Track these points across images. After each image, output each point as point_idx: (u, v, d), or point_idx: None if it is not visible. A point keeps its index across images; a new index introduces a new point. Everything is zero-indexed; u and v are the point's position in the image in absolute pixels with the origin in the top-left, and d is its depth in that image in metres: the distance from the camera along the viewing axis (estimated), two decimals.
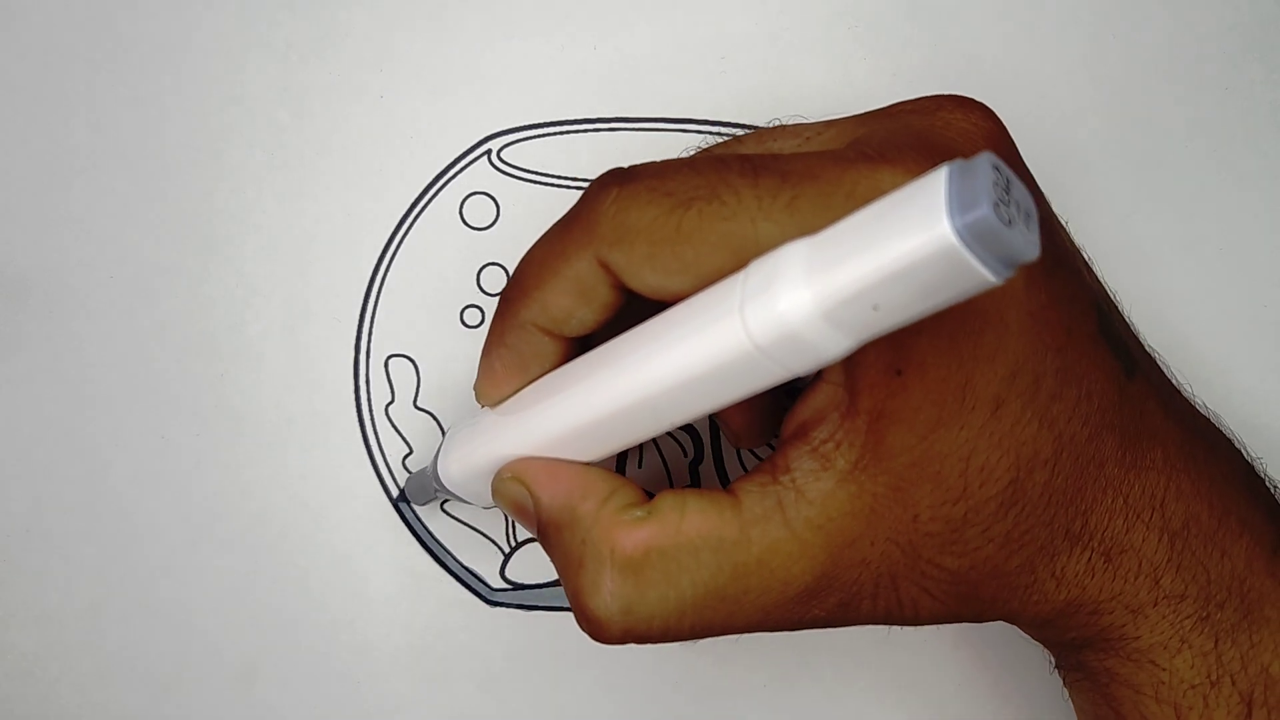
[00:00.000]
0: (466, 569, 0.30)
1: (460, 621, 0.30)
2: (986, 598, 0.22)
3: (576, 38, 0.31)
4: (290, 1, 0.31)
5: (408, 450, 0.30)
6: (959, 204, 0.15)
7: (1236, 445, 0.25)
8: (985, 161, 0.15)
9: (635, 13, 0.31)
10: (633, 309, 0.22)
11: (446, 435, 0.27)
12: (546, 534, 0.22)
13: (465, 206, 0.31)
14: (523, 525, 0.24)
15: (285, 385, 0.31)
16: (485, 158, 0.31)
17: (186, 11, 0.31)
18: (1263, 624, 0.23)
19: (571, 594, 0.22)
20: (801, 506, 0.21)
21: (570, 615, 0.30)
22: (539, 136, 0.31)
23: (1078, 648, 0.24)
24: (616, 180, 0.21)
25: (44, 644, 0.30)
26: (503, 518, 0.30)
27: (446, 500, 0.30)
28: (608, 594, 0.21)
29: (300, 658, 0.30)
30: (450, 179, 0.31)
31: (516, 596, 0.30)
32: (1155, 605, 0.22)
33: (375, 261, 0.31)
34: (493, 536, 0.30)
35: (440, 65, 0.31)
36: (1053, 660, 0.26)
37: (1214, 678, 0.23)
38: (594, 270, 0.21)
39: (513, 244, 0.30)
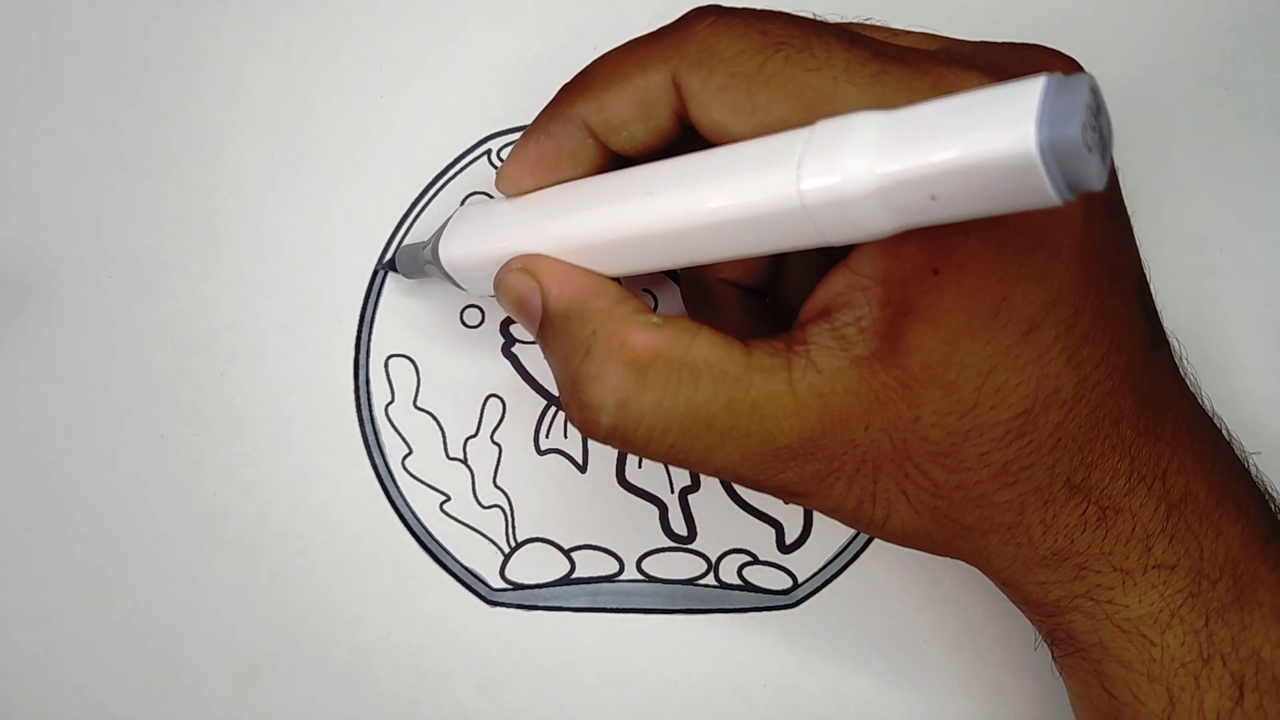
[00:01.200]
0: (466, 569, 0.30)
1: (460, 621, 0.30)
2: (964, 523, 0.22)
3: (576, 38, 0.31)
4: (290, 1, 0.31)
5: (408, 450, 0.30)
6: (1051, 116, 0.15)
7: (1234, 444, 0.25)
8: (1085, 82, 0.15)
9: (635, 13, 0.31)
10: (675, 153, 0.22)
11: (453, 216, 0.26)
12: (551, 325, 0.22)
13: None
14: (519, 319, 0.24)
15: (285, 385, 0.31)
16: (485, 158, 0.31)
17: (187, 11, 0.31)
18: (1255, 607, 0.22)
19: (569, 381, 0.22)
20: (809, 373, 0.20)
21: (569, 616, 0.30)
22: None
23: (1064, 611, 0.23)
24: (716, 10, 0.21)
25: (44, 644, 0.30)
26: (503, 518, 0.30)
27: (428, 277, 0.29)
28: (609, 385, 0.21)
29: (300, 658, 0.30)
30: (450, 179, 0.31)
31: (516, 596, 0.30)
32: (1145, 573, 0.22)
33: (375, 261, 0.31)
34: (492, 537, 0.30)
35: (440, 65, 0.31)
36: (1039, 636, 0.26)
37: (1205, 655, 0.22)
38: (665, 87, 0.21)
39: None
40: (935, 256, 0.19)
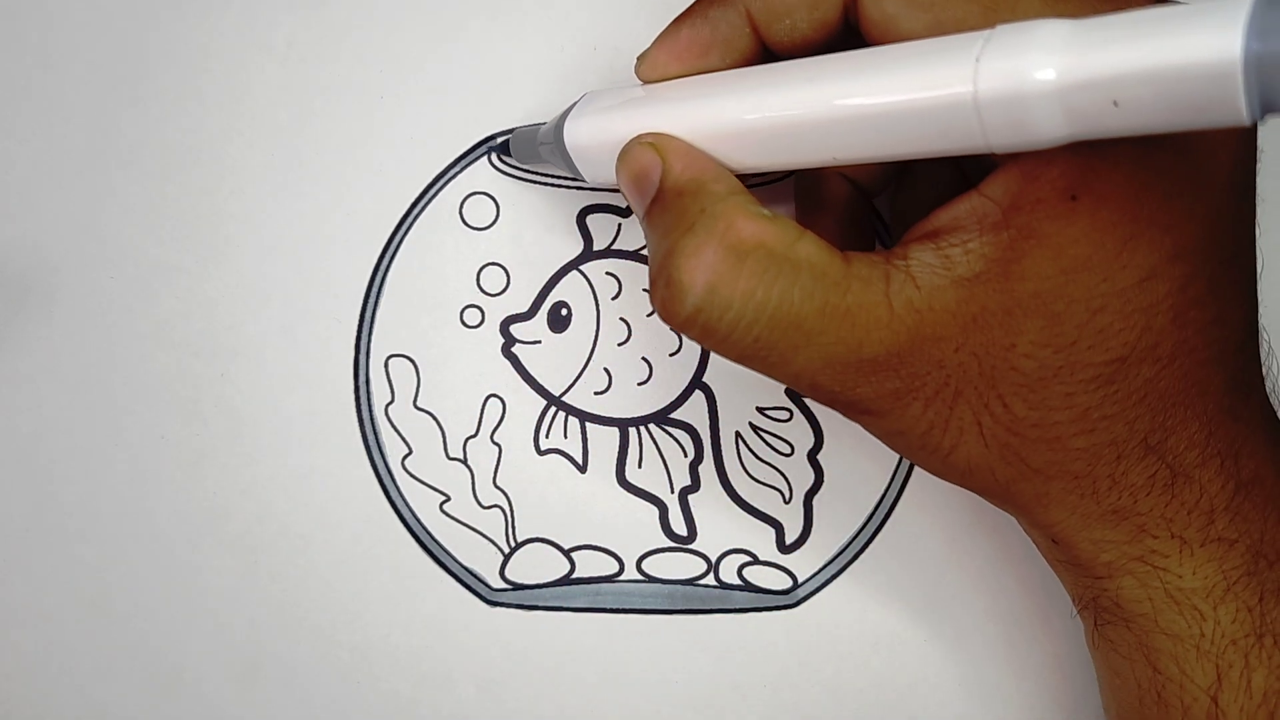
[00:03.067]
0: (466, 569, 0.30)
1: (460, 621, 0.30)
2: (1032, 465, 0.22)
3: (576, 38, 0.31)
4: (290, 2, 0.31)
5: (407, 450, 0.30)
6: (1261, 28, 0.15)
7: None
8: None
9: (635, 13, 0.31)
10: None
11: (580, 99, 0.26)
12: (664, 199, 0.22)
13: (465, 206, 0.31)
14: (632, 195, 0.23)
15: (285, 385, 0.31)
16: (485, 158, 0.31)
17: (187, 11, 0.31)
18: None
19: (664, 254, 0.21)
20: (907, 287, 0.20)
21: (569, 616, 0.30)
22: None
23: (1115, 574, 0.23)
24: None
25: (44, 644, 0.30)
26: (503, 518, 0.30)
27: (541, 162, 0.29)
28: (703, 263, 0.20)
29: (300, 658, 0.30)
30: (450, 179, 0.31)
31: (516, 597, 0.30)
32: (1204, 545, 0.22)
33: (375, 261, 0.31)
34: (492, 537, 0.30)
35: (440, 65, 0.31)
36: (1075, 607, 0.25)
37: (1258, 632, 0.22)
38: None
39: (513, 244, 0.30)
40: (1076, 182, 0.19)
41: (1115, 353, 0.20)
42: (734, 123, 0.22)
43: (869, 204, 0.26)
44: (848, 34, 0.22)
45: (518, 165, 0.30)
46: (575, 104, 0.26)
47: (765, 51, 0.23)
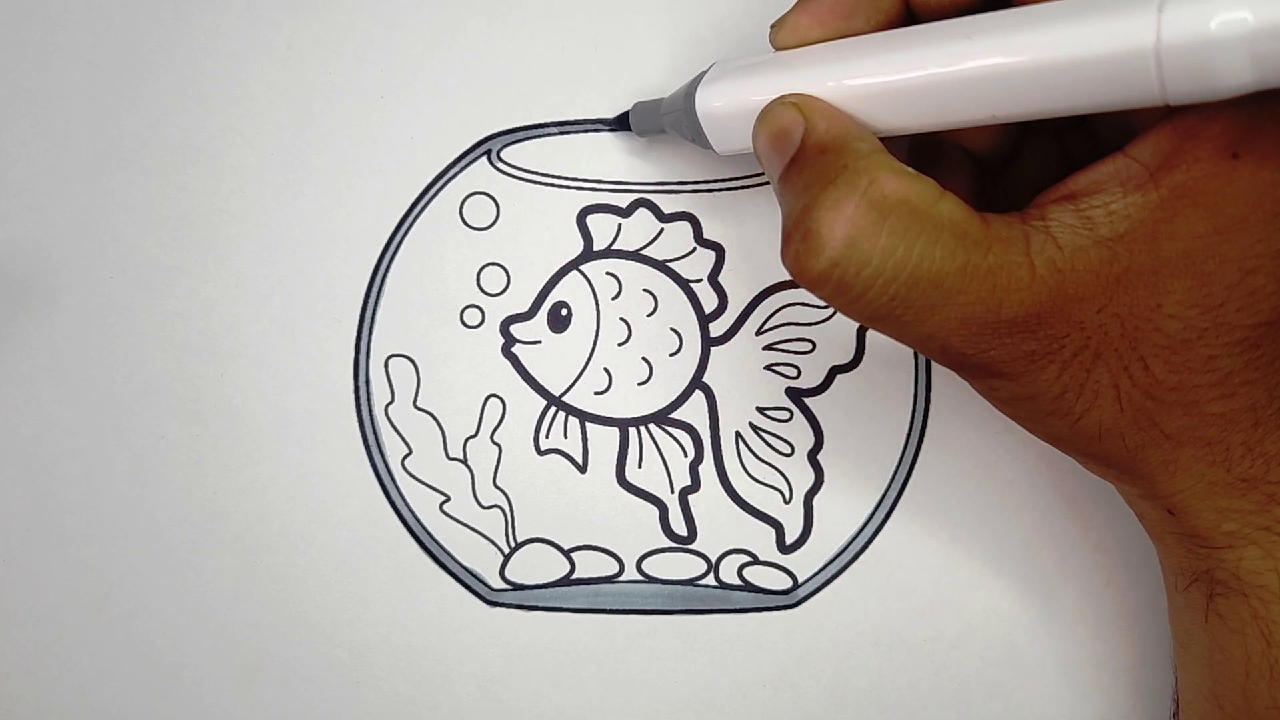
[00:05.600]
0: (466, 569, 0.30)
1: (460, 621, 0.30)
2: (1166, 430, 0.21)
3: (576, 38, 0.31)
4: (290, 2, 0.31)
5: (407, 450, 0.30)
6: None
7: None
8: None
9: (635, 13, 0.31)
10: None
11: (711, 68, 0.25)
12: (805, 156, 0.22)
13: (465, 206, 0.31)
14: (770, 156, 0.23)
15: (285, 385, 0.31)
16: (485, 158, 0.31)
17: (187, 12, 0.31)
18: None
19: (803, 209, 0.21)
20: (1048, 247, 0.20)
21: (569, 616, 0.30)
22: (539, 136, 0.31)
23: (1236, 545, 0.23)
24: None
25: (44, 644, 0.30)
26: (503, 518, 0.30)
27: (660, 134, 0.29)
28: (844, 216, 0.20)
29: (300, 658, 0.30)
30: (450, 179, 0.31)
31: (516, 597, 0.30)
32: None
33: (375, 261, 0.31)
34: (492, 537, 0.30)
35: (440, 65, 0.31)
36: (1181, 582, 0.25)
37: None
38: None
39: (513, 244, 0.30)
40: (1239, 140, 0.19)
41: (1264, 316, 0.20)
42: (888, 82, 0.21)
43: (982, 176, 0.26)
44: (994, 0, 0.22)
45: (520, 169, 0.30)
46: (705, 72, 0.25)
47: (907, 15, 0.23)
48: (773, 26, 0.24)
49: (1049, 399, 0.22)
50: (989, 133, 0.25)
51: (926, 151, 0.26)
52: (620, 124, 0.30)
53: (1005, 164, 0.26)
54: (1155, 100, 0.18)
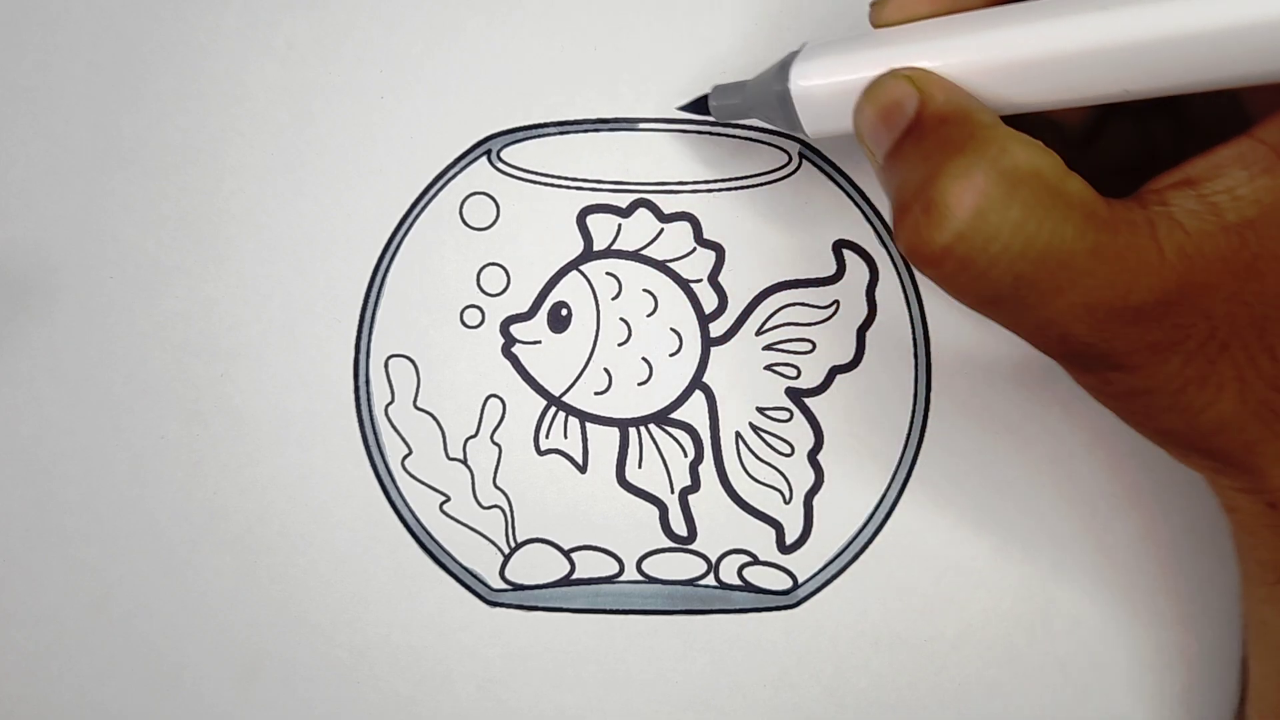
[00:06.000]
0: (466, 569, 0.30)
1: (460, 621, 0.30)
2: None
3: (576, 38, 0.31)
4: (290, 2, 0.31)
5: (407, 450, 0.30)
6: None
7: None
8: None
9: (635, 13, 0.31)
10: None
11: (802, 49, 0.24)
12: (923, 127, 0.20)
13: (465, 206, 0.31)
14: (877, 131, 0.22)
15: (285, 385, 0.31)
16: (485, 158, 0.31)
17: (187, 11, 0.31)
18: None
19: (923, 180, 0.20)
20: (1175, 232, 0.19)
21: (569, 616, 0.30)
22: (539, 136, 0.31)
23: None
24: None
25: (44, 644, 0.30)
26: (503, 518, 0.30)
27: (739, 118, 0.28)
28: (973, 185, 0.19)
29: (300, 658, 0.30)
30: (450, 179, 0.31)
31: (516, 597, 0.30)
32: None
33: (375, 261, 0.31)
34: (492, 537, 0.30)
35: (440, 65, 0.31)
36: (1270, 576, 0.24)
37: None
38: None
39: (513, 244, 0.30)
40: None
41: None
42: (1011, 57, 0.20)
43: (1068, 152, 0.26)
44: None
45: (520, 169, 0.30)
46: (796, 53, 0.24)
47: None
48: (873, 4, 0.23)
49: (1169, 392, 0.21)
50: (1083, 108, 0.24)
51: (1013, 125, 0.25)
52: (696, 108, 0.29)
53: (1087, 142, 0.25)
54: None
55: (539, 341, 0.30)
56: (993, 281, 0.20)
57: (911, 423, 0.30)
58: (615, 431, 0.30)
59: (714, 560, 0.30)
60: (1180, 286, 0.19)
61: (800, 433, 0.30)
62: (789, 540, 0.30)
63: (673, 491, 0.30)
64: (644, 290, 0.30)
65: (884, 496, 0.30)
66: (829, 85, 0.23)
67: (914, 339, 0.30)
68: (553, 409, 0.30)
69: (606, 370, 0.30)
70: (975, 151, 0.19)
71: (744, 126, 0.30)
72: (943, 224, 0.19)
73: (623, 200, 0.30)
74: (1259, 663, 0.25)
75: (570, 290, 0.30)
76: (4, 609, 0.30)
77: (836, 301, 0.30)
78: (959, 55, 0.21)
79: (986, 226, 0.19)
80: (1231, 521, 0.25)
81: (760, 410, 0.30)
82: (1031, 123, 0.24)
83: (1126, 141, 0.25)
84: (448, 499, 0.30)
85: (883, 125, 0.21)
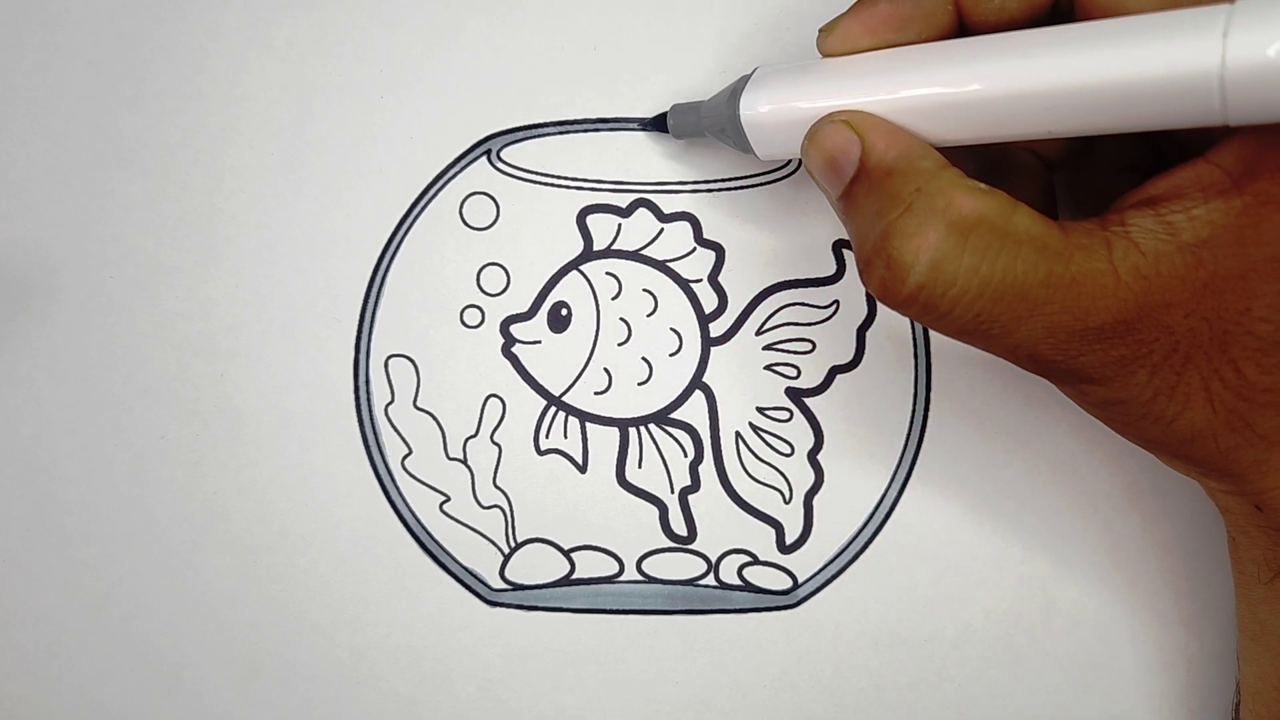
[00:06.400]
0: (466, 569, 0.30)
1: (460, 621, 0.30)
2: (1258, 430, 0.22)
3: (576, 38, 0.31)
4: (290, 2, 0.31)
5: (407, 450, 0.30)
6: None
7: None
8: None
9: (635, 13, 0.31)
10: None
11: (754, 74, 0.25)
12: (867, 180, 0.22)
13: (465, 206, 0.31)
14: (824, 176, 0.23)
15: (285, 385, 0.31)
16: (485, 158, 0.31)
17: (187, 11, 0.31)
18: None
19: (879, 236, 0.21)
20: (1131, 254, 0.20)
21: (569, 616, 0.30)
22: (539, 136, 0.31)
23: None
24: None
25: (44, 644, 0.30)
26: (503, 518, 0.30)
27: (697, 137, 0.29)
28: (926, 242, 0.20)
29: (300, 658, 0.30)
30: (450, 179, 0.31)
31: (516, 597, 0.30)
32: None
33: (375, 261, 0.31)
34: (492, 537, 0.30)
35: (440, 65, 0.31)
36: (1265, 573, 0.25)
37: None
38: None
39: (513, 244, 0.30)
40: None
41: None
42: (944, 95, 0.21)
43: (1050, 177, 0.26)
44: (1053, 16, 0.22)
45: (519, 169, 0.30)
46: (748, 77, 0.25)
47: (960, 29, 0.23)
48: (821, 31, 0.24)
49: (1140, 402, 0.22)
50: (1055, 139, 0.25)
51: (992, 152, 0.25)
52: (656, 125, 0.30)
53: (1076, 163, 0.26)
54: (1215, 121, 0.18)
55: (539, 341, 0.30)
56: (956, 319, 0.21)
57: (911, 423, 0.30)
58: (615, 431, 0.30)
59: (714, 560, 0.30)
60: (1138, 307, 0.20)
61: (800, 432, 0.30)
62: (789, 540, 0.30)
63: (673, 491, 0.30)
64: (644, 290, 0.30)
65: (884, 496, 0.30)
66: (775, 113, 0.24)
67: (914, 339, 0.30)
68: (553, 409, 0.30)
69: (606, 370, 0.30)
70: (924, 207, 0.21)
71: None
72: (905, 278, 0.21)
73: (623, 200, 0.30)
74: (1254, 663, 0.26)
75: (570, 290, 0.30)
76: (4, 609, 0.30)
77: (836, 301, 0.30)
78: (894, 93, 0.22)
79: (944, 276, 0.21)
80: (1226, 521, 0.25)
81: (760, 410, 0.30)
82: (1009, 148, 0.25)
83: (1114, 160, 0.26)
84: (448, 499, 0.30)
85: (830, 172, 0.23)
